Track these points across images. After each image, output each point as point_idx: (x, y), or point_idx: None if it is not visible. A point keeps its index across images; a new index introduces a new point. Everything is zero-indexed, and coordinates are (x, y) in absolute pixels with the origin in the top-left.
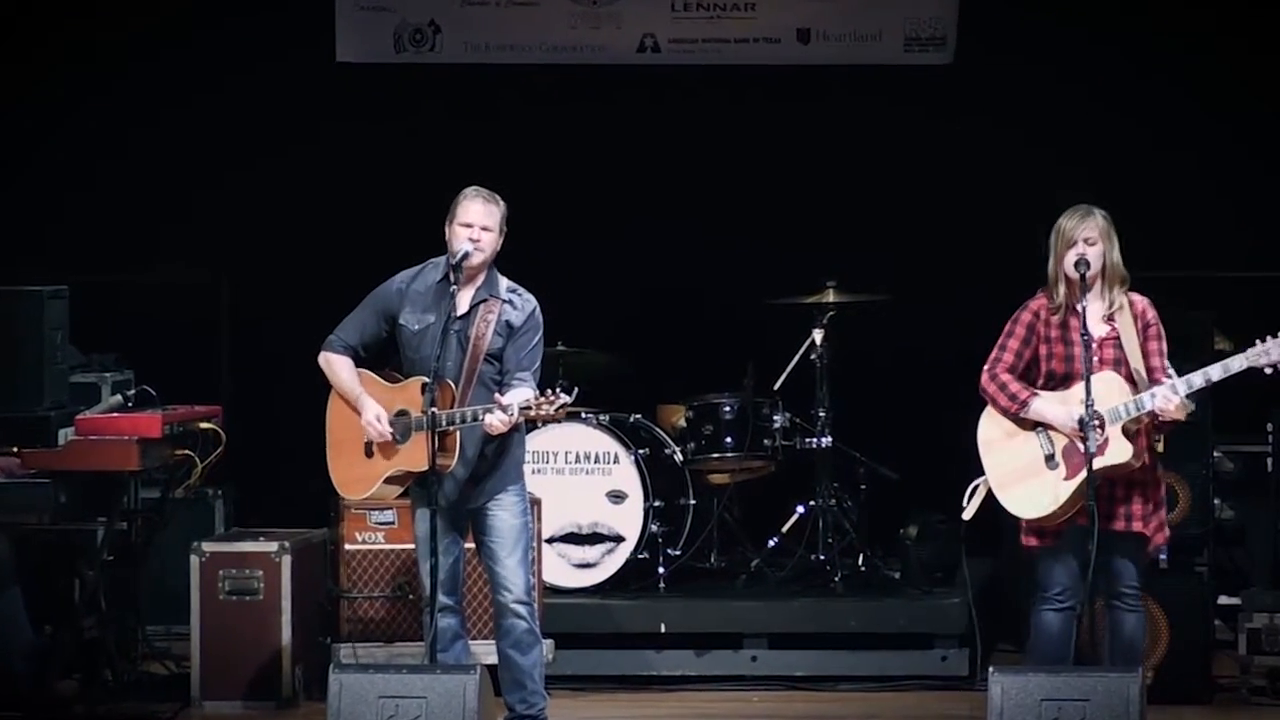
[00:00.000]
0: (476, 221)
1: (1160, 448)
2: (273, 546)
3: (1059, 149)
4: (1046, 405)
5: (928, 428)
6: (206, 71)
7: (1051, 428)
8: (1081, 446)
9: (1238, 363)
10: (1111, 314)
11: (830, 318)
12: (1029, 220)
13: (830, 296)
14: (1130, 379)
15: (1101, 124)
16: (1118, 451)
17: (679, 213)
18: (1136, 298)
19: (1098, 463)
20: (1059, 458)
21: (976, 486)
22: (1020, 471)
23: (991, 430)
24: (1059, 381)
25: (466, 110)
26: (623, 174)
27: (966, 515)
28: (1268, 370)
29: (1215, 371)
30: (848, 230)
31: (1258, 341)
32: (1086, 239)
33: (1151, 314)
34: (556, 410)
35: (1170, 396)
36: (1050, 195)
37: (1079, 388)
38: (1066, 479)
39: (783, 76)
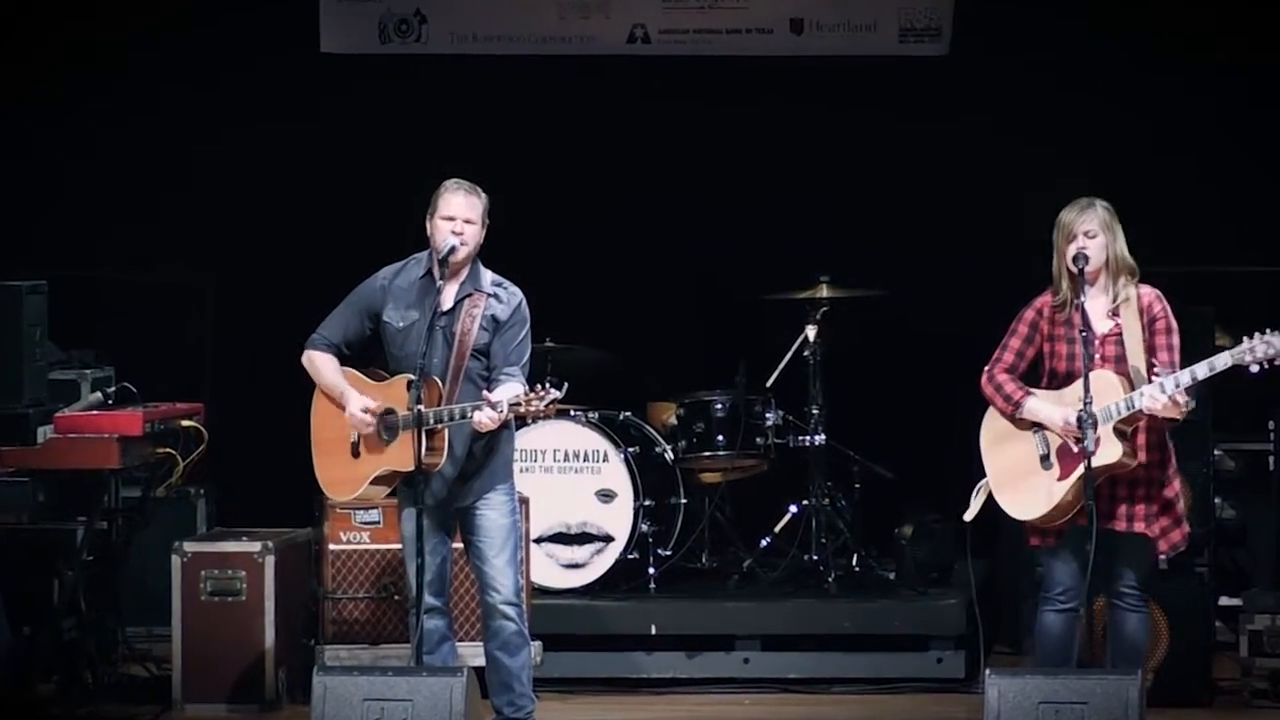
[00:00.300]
0: (459, 214)
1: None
2: (255, 546)
3: (1056, 142)
4: (1041, 405)
5: (923, 426)
6: (188, 65)
7: (1047, 428)
8: (1074, 446)
9: (1223, 360)
10: (1116, 308)
11: (824, 313)
12: (1026, 214)
13: (824, 292)
14: (1129, 376)
15: (1100, 116)
16: (1108, 452)
17: (670, 207)
18: (1146, 290)
19: None
20: (1053, 458)
21: (980, 487)
22: (1017, 472)
23: (993, 430)
24: (1061, 380)
25: (453, 102)
26: (612, 167)
27: (968, 516)
28: (1254, 368)
29: (1201, 369)
30: (842, 224)
31: (1245, 339)
32: (1086, 232)
33: (1159, 307)
34: (546, 405)
35: (1157, 396)
36: (1049, 188)
37: (1074, 387)
38: (1060, 479)
39: (775, 68)
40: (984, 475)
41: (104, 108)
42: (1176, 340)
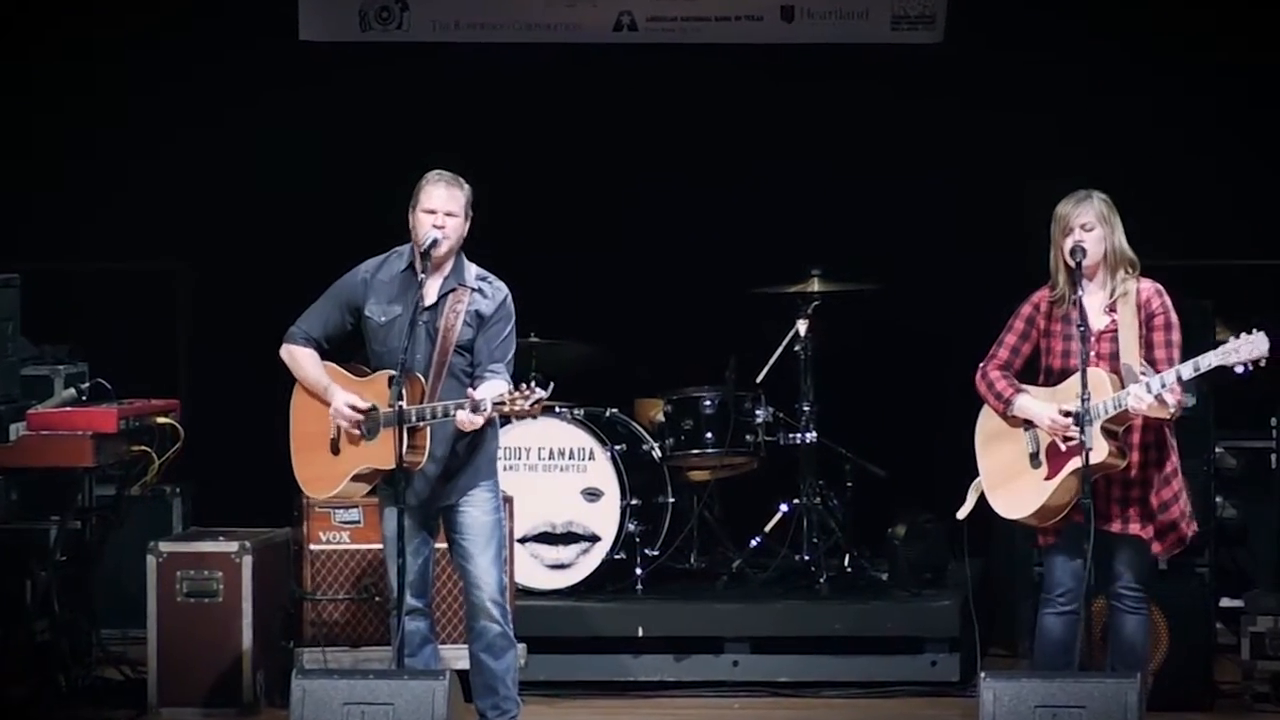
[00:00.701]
0: (440, 207)
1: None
2: (233, 546)
3: (1053, 132)
4: (1030, 403)
5: (917, 423)
6: (165, 55)
7: (1038, 426)
8: (1061, 444)
9: (1207, 361)
10: (1113, 303)
11: (815, 307)
12: (1022, 204)
13: (815, 285)
14: (1121, 374)
15: (1097, 106)
16: (1095, 452)
17: (657, 198)
18: (1146, 285)
19: (1075, 463)
20: (1042, 456)
21: (976, 484)
22: (1009, 471)
23: (987, 428)
24: (1057, 377)
25: (435, 91)
26: (598, 158)
27: (961, 514)
28: (1238, 369)
29: (1186, 370)
30: (834, 216)
31: (1231, 338)
32: (1083, 225)
33: (1157, 302)
34: (531, 405)
35: (1142, 396)
36: (1047, 180)
37: (1066, 384)
38: (1047, 479)
39: (765, 56)
40: (979, 474)
41: (78, 101)
42: (1176, 336)
